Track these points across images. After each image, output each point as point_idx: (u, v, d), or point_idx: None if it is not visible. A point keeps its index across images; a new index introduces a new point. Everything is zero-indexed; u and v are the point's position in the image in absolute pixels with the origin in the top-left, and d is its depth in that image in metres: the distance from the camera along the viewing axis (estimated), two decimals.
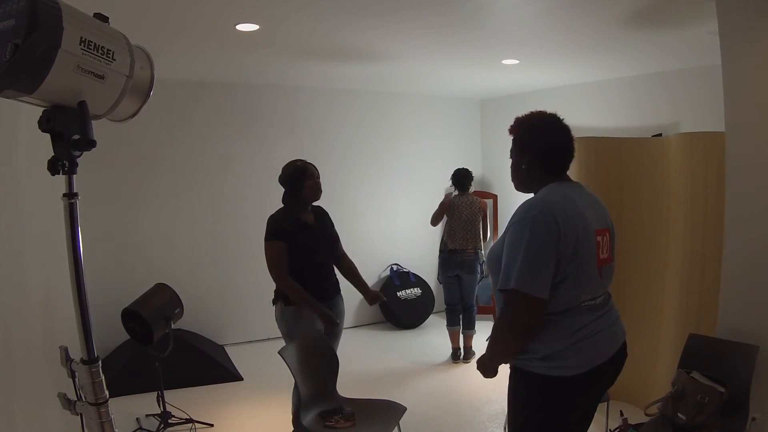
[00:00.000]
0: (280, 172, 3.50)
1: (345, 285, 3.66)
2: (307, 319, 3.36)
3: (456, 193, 5.52)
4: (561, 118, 2.16)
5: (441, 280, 5.65)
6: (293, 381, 3.08)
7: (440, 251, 5.52)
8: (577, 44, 4.36)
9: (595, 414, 2.15)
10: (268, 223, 3.41)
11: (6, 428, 1.91)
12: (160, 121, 5.53)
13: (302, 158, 3.58)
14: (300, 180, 3.42)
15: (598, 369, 1.97)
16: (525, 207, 1.96)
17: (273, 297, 3.47)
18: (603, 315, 2.04)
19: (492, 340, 2.05)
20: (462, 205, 5.39)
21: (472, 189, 5.56)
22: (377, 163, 6.87)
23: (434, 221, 5.56)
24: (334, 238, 3.59)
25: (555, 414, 1.99)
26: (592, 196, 2.19)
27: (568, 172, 2.17)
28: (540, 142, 2.11)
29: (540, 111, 2.19)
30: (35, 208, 2.59)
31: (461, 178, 5.49)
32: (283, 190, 3.49)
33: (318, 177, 3.48)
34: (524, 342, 1.95)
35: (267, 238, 3.36)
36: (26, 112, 1.78)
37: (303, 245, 3.35)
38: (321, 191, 3.49)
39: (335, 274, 3.60)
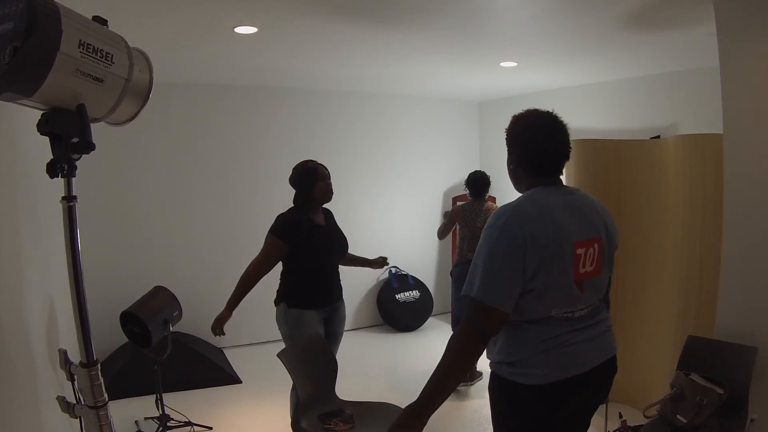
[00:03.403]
0: (280, 173, 3.49)
1: (346, 289, 3.65)
2: (309, 322, 3.36)
3: (469, 199, 5.01)
4: (556, 117, 2.03)
5: (456, 297, 5.13)
6: (292, 383, 3.07)
7: (455, 264, 5.02)
8: (574, 46, 4.37)
9: (594, 416, 2.12)
10: (278, 218, 3.40)
11: None
12: (159, 124, 5.52)
13: (304, 159, 3.56)
14: (311, 181, 3.40)
15: (570, 383, 1.87)
16: (497, 213, 1.88)
17: (275, 298, 3.47)
18: (584, 328, 1.94)
19: (447, 349, 1.89)
20: (475, 213, 4.89)
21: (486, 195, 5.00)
22: (375, 166, 6.88)
23: (442, 235, 5.14)
24: (343, 240, 3.58)
25: (523, 422, 1.93)
26: (588, 202, 2.05)
27: (566, 174, 2.12)
28: (526, 144, 2.01)
29: (535, 109, 2.06)
30: (33, 210, 2.58)
31: (478, 183, 4.93)
32: (294, 191, 3.46)
33: (329, 178, 3.46)
34: (478, 351, 1.89)
35: (271, 231, 3.37)
36: (24, 114, 1.77)
37: (315, 245, 3.34)
38: (332, 193, 3.47)
39: (340, 278, 3.60)
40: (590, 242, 1.94)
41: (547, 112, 2.04)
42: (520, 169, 2.04)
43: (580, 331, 1.93)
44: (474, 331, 1.86)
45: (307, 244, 3.32)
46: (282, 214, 3.44)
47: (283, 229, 3.34)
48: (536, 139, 2.00)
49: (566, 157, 2.03)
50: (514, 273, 1.80)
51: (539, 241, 1.80)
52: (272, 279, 3.46)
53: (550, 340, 1.87)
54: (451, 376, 1.89)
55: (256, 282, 3.40)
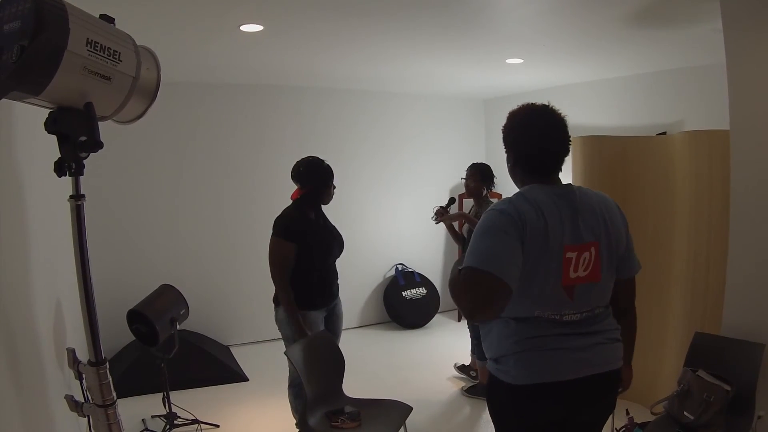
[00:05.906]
0: (285, 171, 3.43)
1: (346, 286, 3.64)
2: (313, 324, 3.34)
3: (485, 192, 4.63)
4: (552, 111, 1.93)
5: None
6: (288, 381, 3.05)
7: (460, 260, 4.68)
8: (581, 42, 4.35)
9: None
10: (280, 220, 3.31)
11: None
12: (165, 123, 5.53)
13: (309, 156, 3.49)
14: (328, 181, 3.35)
15: (549, 388, 1.78)
16: (492, 205, 1.86)
17: (273, 296, 3.42)
18: (578, 335, 1.83)
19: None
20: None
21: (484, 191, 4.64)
22: (381, 163, 6.87)
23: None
24: (341, 237, 3.54)
25: (508, 421, 1.91)
26: (586, 202, 1.91)
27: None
28: (520, 141, 1.94)
29: (530, 104, 1.97)
30: (39, 210, 2.59)
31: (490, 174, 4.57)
32: (294, 186, 3.40)
33: None
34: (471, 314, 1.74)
35: (278, 235, 3.27)
36: (32, 113, 1.78)
37: (321, 245, 3.31)
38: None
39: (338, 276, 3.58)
40: (587, 246, 1.84)
41: (543, 106, 1.95)
42: (517, 168, 1.98)
43: (570, 338, 1.83)
44: (462, 299, 1.72)
45: (317, 244, 3.28)
46: (285, 213, 3.35)
47: (290, 230, 3.25)
48: (531, 136, 1.92)
49: (564, 153, 1.94)
50: (515, 249, 1.71)
51: (534, 230, 1.74)
52: None
53: (530, 340, 1.80)
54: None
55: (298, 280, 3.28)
